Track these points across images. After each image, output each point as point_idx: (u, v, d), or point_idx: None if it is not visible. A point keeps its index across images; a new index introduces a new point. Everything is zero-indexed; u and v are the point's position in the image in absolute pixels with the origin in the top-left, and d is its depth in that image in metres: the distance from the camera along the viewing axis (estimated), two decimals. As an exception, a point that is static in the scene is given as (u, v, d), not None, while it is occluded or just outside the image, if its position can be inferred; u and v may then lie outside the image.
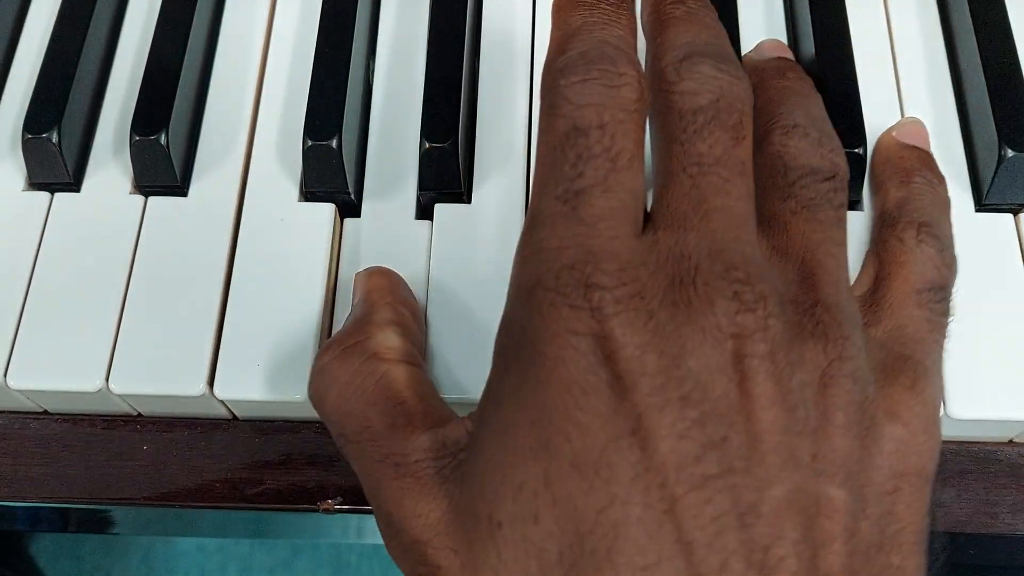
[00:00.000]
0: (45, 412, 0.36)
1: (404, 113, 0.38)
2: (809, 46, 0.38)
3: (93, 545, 1.11)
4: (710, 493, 0.22)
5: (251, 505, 0.35)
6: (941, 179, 0.33)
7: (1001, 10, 0.38)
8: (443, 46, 0.38)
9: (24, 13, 0.41)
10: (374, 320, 0.30)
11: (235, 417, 0.35)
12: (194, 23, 0.38)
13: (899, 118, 0.37)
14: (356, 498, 0.35)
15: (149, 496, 0.35)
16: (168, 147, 0.35)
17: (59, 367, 0.34)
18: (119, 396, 0.34)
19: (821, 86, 0.35)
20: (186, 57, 0.37)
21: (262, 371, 0.34)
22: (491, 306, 0.34)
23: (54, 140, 0.36)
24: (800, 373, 0.24)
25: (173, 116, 0.36)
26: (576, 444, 0.22)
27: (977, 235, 0.35)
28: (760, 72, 0.32)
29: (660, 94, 0.27)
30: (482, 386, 0.33)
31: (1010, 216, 0.36)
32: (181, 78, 0.36)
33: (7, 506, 0.36)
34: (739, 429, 0.22)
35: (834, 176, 0.28)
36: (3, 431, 0.36)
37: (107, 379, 0.34)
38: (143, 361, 0.34)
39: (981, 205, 0.36)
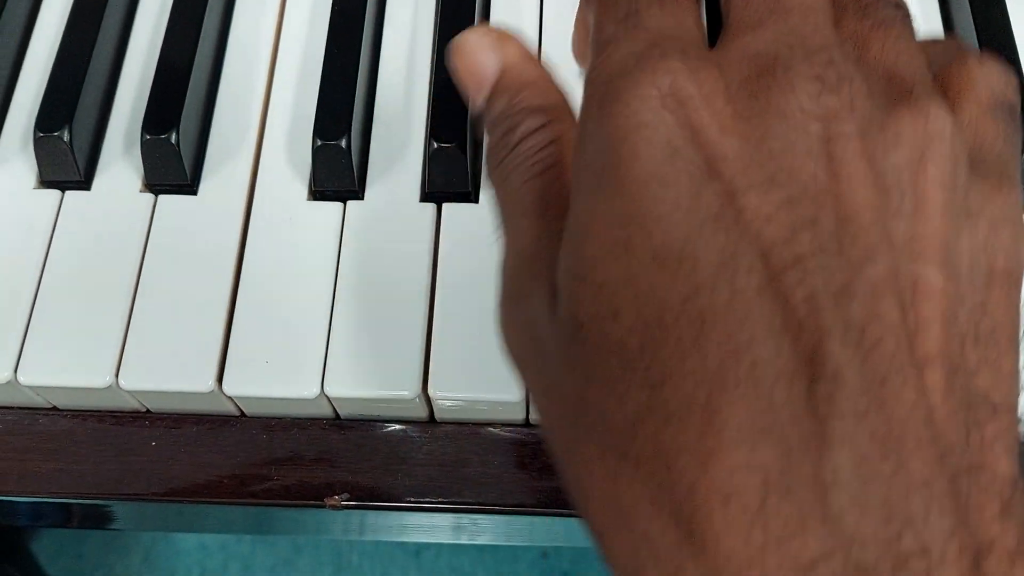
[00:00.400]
0: (54, 408, 0.36)
1: (407, 112, 0.38)
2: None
3: (95, 543, 1.11)
4: (801, 273, 0.21)
5: (258, 501, 0.35)
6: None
7: (1002, 9, 0.39)
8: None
9: (35, 12, 0.41)
10: (548, 97, 0.28)
11: (243, 414, 0.36)
12: (205, 23, 0.38)
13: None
14: (362, 495, 0.35)
15: (156, 492, 0.35)
16: (178, 146, 0.36)
17: (69, 363, 0.34)
18: (128, 392, 0.34)
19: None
20: (197, 57, 0.38)
21: (271, 368, 0.34)
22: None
23: (65, 138, 0.36)
24: (894, 153, 0.22)
25: (184, 115, 0.36)
26: (656, 238, 0.21)
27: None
28: None
29: None
30: (486, 385, 0.34)
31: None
32: (192, 77, 0.37)
33: (15, 501, 0.36)
34: (829, 210, 0.21)
35: (900, 4, 0.27)
36: (13, 427, 0.36)
37: (116, 375, 0.34)
38: (152, 357, 0.34)
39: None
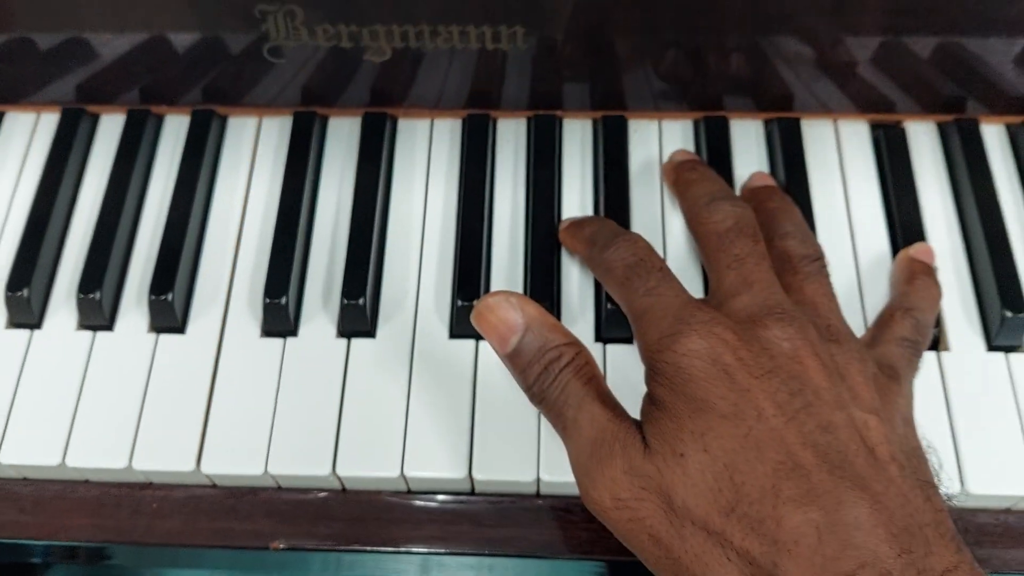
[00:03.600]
0: (87, 481, 0.53)
1: (331, 275, 0.55)
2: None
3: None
4: (802, 417, 0.36)
5: (225, 544, 0.51)
6: (935, 282, 0.50)
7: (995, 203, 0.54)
8: (360, 227, 0.55)
9: (72, 208, 0.59)
10: (568, 337, 0.42)
11: (215, 485, 0.52)
12: (192, 212, 0.56)
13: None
14: (297, 541, 0.51)
15: (157, 540, 0.51)
16: (173, 303, 0.53)
17: (100, 451, 0.51)
18: (138, 471, 0.51)
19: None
20: (186, 236, 0.55)
21: (232, 454, 0.51)
22: (391, 411, 0.51)
23: (98, 298, 0.53)
24: (830, 359, 0.39)
25: (177, 280, 0.53)
26: (720, 407, 0.37)
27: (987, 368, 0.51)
28: (755, 196, 0.51)
29: (699, 226, 0.47)
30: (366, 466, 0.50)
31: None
32: (182, 256, 0.54)
33: (63, 545, 0.53)
34: (806, 386, 0.37)
35: (819, 258, 0.47)
36: (59, 494, 0.52)
37: (131, 459, 0.51)
38: (154, 446, 0.51)
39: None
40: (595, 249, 0.48)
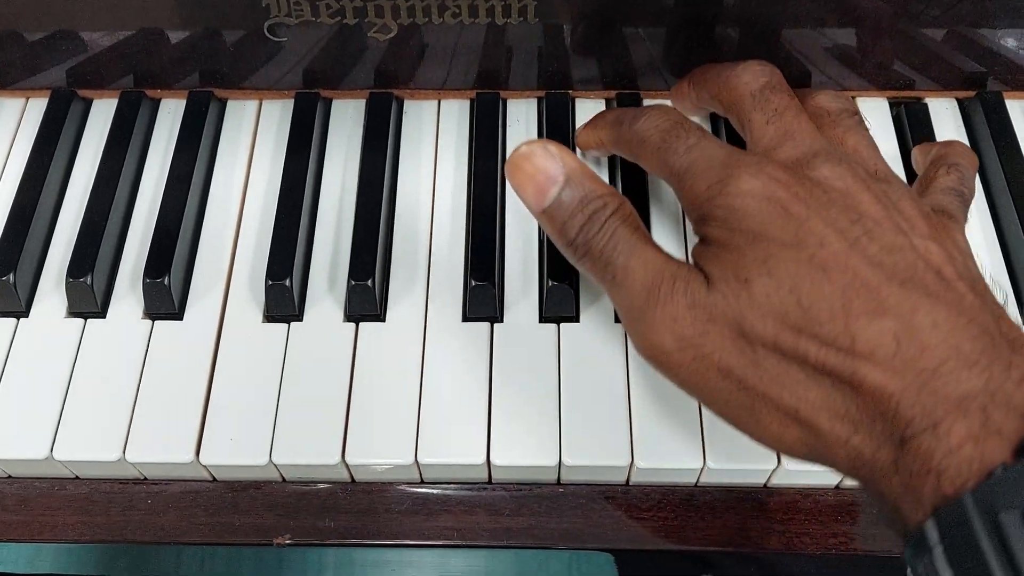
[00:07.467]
0: (77, 477, 0.50)
1: (335, 259, 0.53)
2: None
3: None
4: (864, 242, 0.36)
5: (226, 541, 0.48)
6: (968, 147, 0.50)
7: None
8: (367, 209, 0.53)
9: (62, 193, 0.56)
10: (610, 187, 0.42)
11: (214, 479, 0.49)
12: (189, 195, 0.53)
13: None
14: (302, 536, 0.48)
15: (148, 536, 0.48)
16: (170, 287, 0.50)
17: (90, 442, 0.48)
18: (131, 463, 0.48)
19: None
20: (183, 222, 0.52)
21: (234, 444, 0.48)
22: (403, 397, 0.48)
23: (88, 282, 0.50)
24: (884, 195, 0.39)
25: (174, 264, 0.51)
26: (780, 236, 0.37)
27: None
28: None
29: (730, 92, 0.46)
30: (386, 451, 0.47)
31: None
32: (179, 236, 0.52)
33: (48, 546, 0.49)
34: (863, 216, 0.37)
35: (857, 112, 0.47)
36: (46, 491, 0.49)
37: (124, 451, 0.47)
38: (149, 438, 0.48)
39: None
40: (624, 126, 0.47)
